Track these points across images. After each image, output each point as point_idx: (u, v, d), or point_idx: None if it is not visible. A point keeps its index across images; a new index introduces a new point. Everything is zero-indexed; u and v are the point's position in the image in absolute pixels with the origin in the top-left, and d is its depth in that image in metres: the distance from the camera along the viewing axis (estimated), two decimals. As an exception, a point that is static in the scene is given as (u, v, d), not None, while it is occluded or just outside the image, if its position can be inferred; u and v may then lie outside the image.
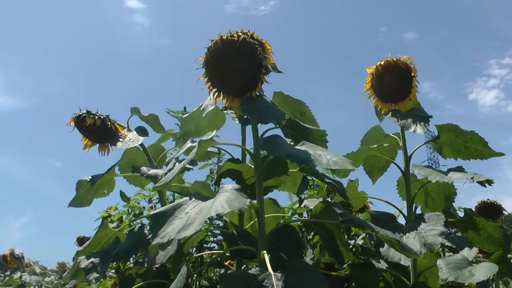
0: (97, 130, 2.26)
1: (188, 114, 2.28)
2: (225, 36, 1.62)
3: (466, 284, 1.86)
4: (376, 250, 1.99)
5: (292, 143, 1.84)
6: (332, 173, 2.53)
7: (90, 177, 2.29)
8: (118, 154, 2.43)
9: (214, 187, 2.54)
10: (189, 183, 2.37)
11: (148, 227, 2.08)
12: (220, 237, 2.67)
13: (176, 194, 2.62)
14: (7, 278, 5.26)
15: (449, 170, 2.14)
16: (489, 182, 2.05)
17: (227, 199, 1.46)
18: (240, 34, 1.63)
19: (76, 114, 2.24)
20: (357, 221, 1.69)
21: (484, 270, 1.86)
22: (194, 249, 2.49)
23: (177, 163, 1.83)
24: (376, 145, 2.35)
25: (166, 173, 1.80)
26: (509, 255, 2.25)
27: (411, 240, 1.86)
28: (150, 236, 1.46)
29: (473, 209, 3.22)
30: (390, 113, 2.22)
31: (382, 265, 2.10)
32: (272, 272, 1.41)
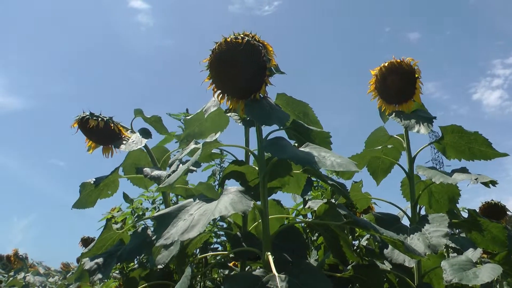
0: (101, 132, 2.26)
1: (192, 116, 2.28)
2: (229, 38, 1.62)
3: (470, 286, 1.86)
4: (380, 251, 1.99)
5: (296, 145, 1.84)
6: (337, 175, 2.53)
7: (94, 179, 2.29)
8: (122, 155, 2.43)
9: (217, 188, 2.54)
10: (192, 184, 2.37)
11: (151, 229, 2.08)
12: (224, 238, 2.67)
13: (179, 196, 2.62)
14: (11, 278, 5.27)
15: (453, 171, 2.13)
16: (493, 183, 2.05)
17: (231, 201, 1.46)
18: (243, 36, 1.63)
19: (79, 116, 2.24)
20: (361, 222, 1.68)
21: (488, 272, 1.85)
22: (198, 250, 2.49)
23: (180, 165, 1.83)
24: (380, 147, 2.35)
25: (169, 175, 1.80)
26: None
27: (415, 241, 1.86)
28: (154, 237, 1.46)
29: (477, 210, 3.22)
30: (394, 114, 2.22)
31: (386, 266, 2.09)
32: (276, 274, 1.42)
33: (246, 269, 2.10)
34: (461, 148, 2.20)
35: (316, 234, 2.71)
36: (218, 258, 2.47)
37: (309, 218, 2.89)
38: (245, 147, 2.06)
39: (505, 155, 2.14)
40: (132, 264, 2.69)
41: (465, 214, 2.37)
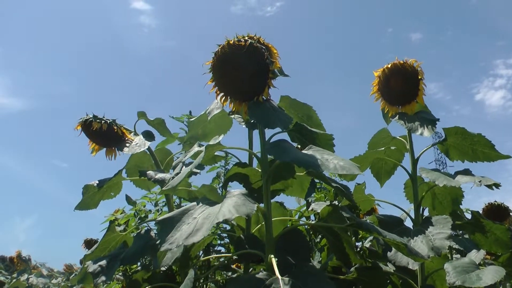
0: (104, 134, 2.26)
1: (195, 118, 2.28)
2: (232, 40, 1.62)
3: (473, 288, 1.86)
4: (384, 254, 1.99)
5: (298, 147, 1.84)
6: (339, 176, 2.52)
7: (97, 182, 2.30)
8: (125, 156, 2.43)
9: (221, 190, 2.54)
10: (196, 186, 2.37)
11: (154, 231, 2.08)
12: (227, 240, 2.67)
13: (182, 198, 2.62)
14: (14, 280, 5.28)
15: (457, 173, 2.13)
16: (497, 185, 2.04)
17: (234, 204, 1.46)
18: (247, 38, 1.63)
19: (83, 119, 2.24)
20: (364, 225, 1.68)
21: (492, 274, 1.85)
22: (201, 252, 2.49)
23: (184, 167, 1.83)
24: (383, 148, 2.35)
25: (173, 177, 1.80)
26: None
27: (419, 243, 1.86)
28: (157, 240, 1.46)
29: (480, 211, 3.22)
30: (397, 116, 2.21)
31: (390, 268, 2.09)
32: (279, 276, 1.42)
33: (249, 271, 2.10)
34: (464, 150, 2.20)
35: (319, 236, 2.71)
36: (221, 260, 2.47)
37: (312, 220, 2.89)
38: (248, 149, 2.06)
39: (508, 157, 2.13)
40: (135, 266, 2.69)
41: (468, 216, 2.37)
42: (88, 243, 4.99)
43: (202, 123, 2.27)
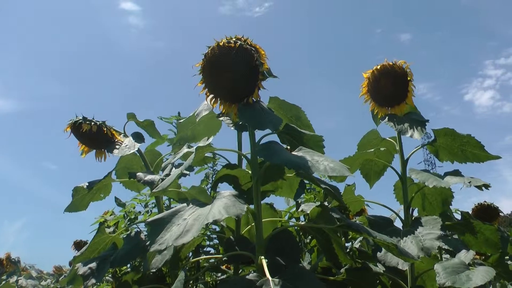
0: (94, 136, 2.25)
1: (184, 119, 2.28)
2: (222, 42, 1.62)
3: (463, 288, 1.86)
4: (373, 254, 1.99)
5: (288, 148, 1.84)
6: (329, 178, 2.53)
7: (87, 183, 2.29)
8: (115, 159, 2.43)
9: (210, 191, 2.53)
10: (185, 187, 2.37)
11: (144, 233, 2.08)
12: (216, 241, 2.67)
13: (171, 199, 2.62)
14: (4, 282, 5.24)
15: (446, 174, 2.14)
16: (486, 186, 2.05)
17: (224, 205, 1.46)
18: (236, 40, 1.63)
19: (72, 121, 2.24)
20: (354, 226, 1.68)
21: (482, 274, 1.86)
22: (191, 253, 2.49)
23: (173, 169, 1.83)
24: (373, 149, 2.35)
25: (162, 179, 1.79)
26: (506, 258, 2.26)
27: (409, 244, 1.86)
28: (147, 242, 1.45)
29: (470, 211, 3.23)
30: (387, 117, 2.21)
31: (380, 268, 2.09)
32: (270, 278, 1.42)
33: (239, 272, 2.10)
34: (454, 151, 2.21)
35: (309, 237, 2.72)
36: (211, 261, 2.47)
37: (302, 221, 2.89)
38: (238, 151, 2.06)
39: (498, 157, 2.14)
40: (124, 267, 2.69)
41: (458, 216, 2.38)
42: (78, 245, 4.98)
43: (191, 124, 2.26)
